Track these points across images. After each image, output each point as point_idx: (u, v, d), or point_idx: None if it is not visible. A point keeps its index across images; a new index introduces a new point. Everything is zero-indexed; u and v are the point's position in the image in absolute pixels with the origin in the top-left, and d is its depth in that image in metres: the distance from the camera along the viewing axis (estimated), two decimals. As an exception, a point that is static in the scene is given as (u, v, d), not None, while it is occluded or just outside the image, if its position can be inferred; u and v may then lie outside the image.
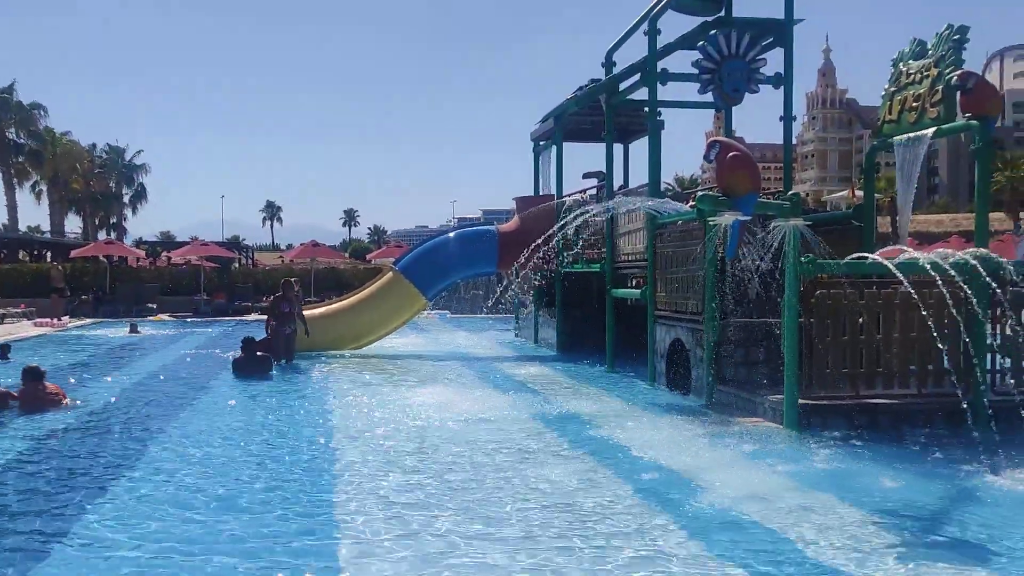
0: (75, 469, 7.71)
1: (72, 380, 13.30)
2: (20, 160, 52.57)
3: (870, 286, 9.19)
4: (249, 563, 5.18)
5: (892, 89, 10.49)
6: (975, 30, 9.66)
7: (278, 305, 15.80)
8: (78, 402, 11.04)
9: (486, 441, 8.80)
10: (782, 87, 13.52)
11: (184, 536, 5.71)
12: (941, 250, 8.73)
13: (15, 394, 10.57)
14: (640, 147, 19.11)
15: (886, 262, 8.12)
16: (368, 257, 50.66)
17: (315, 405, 11.41)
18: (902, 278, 7.92)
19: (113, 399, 11.74)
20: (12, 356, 15.76)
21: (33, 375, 10.70)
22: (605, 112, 15.45)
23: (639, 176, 21.84)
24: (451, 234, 19.53)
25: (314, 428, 9.77)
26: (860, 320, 9.12)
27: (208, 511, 6.31)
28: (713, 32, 12.77)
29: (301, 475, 7.46)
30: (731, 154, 8.24)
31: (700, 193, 8.93)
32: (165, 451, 8.45)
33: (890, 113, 10.47)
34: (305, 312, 17.10)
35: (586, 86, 16.74)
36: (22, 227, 61.72)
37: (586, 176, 20.19)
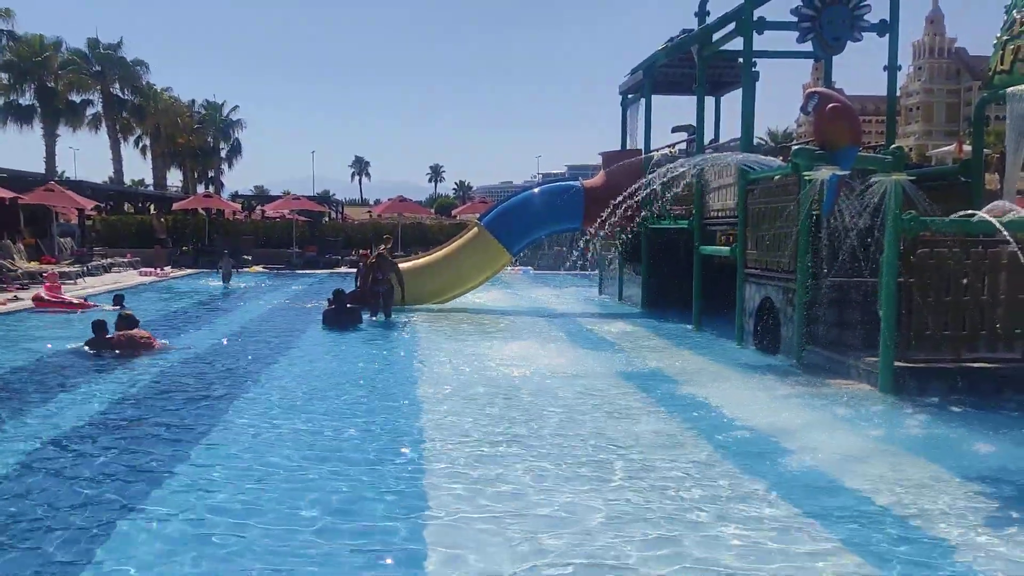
0: (167, 411, 8.11)
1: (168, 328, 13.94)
2: (124, 115, 54.63)
3: (975, 245, 8.76)
4: (336, 498, 5.40)
5: (1005, 37, 9.86)
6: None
7: (373, 272, 15.98)
8: (166, 343, 11.62)
9: (572, 396, 8.84)
10: (887, 35, 12.86)
11: (276, 473, 5.96)
12: (1056, 208, 8.23)
13: (112, 339, 11.14)
14: (732, 100, 18.56)
15: (993, 220, 7.69)
16: (453, 212, 51.06)
17: (404, 356, 11.66)
18: (1010, 237, 7.50)
19: (205, 346, 12.22)
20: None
21: (128, 322, 11.29)
22: (697, 63, 15.01)
23: (731, 130, 21.29)
24: (535, 190, 19.40)
25: (403, 378, 10.00)
26: (964, 280, 8.73)
27: (303, 453, 6.56)
28: (815, -23, 12.18)
29: (391, 424, 7.65)
30: (831, 105, 7.90)
31: (796, 147, 8.60)
32: (254, 398, 8.75)
33: (1002, 63, 9.85)
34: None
35: (678, 37, 16.30)
36: (127, 180, 64.46)
37: (675, 130, 19.77)
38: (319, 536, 4.87)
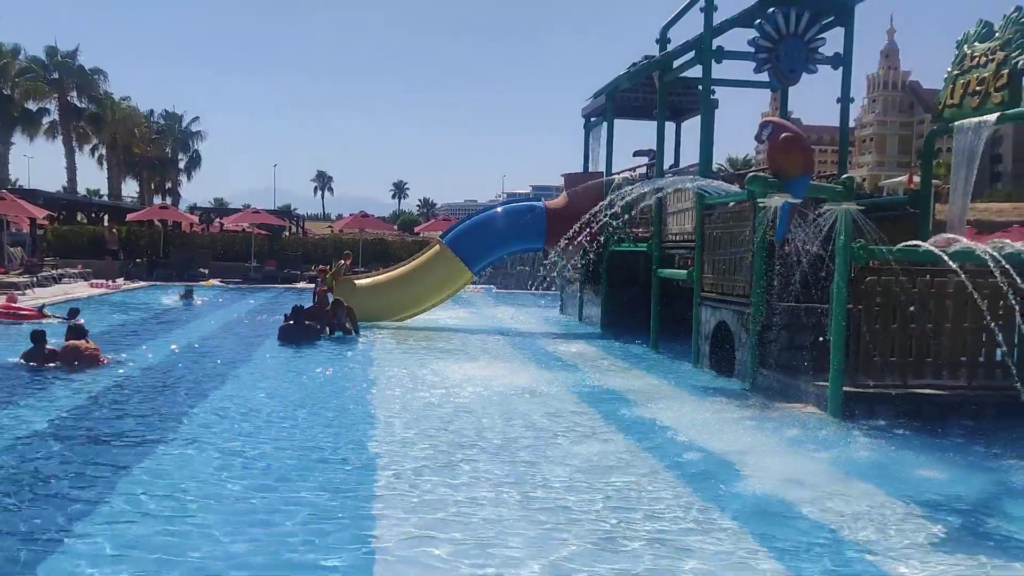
0: (104, 428, 7.95)
1: (113, 341, 13.67)
2: (80, 124, 53.82)
3: (923, 274, 9.00)
4: (280, 522, 5.33)
5: (955, 72, 10.20)
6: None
7: (333, 309, 15.83)
8: (112, 358, 11.34)
9: (524, 414, 8.87)
10: (841, 68, 13.21)
11: (213, 499, 5.88)
12: (996, 240, 8.49)
13: (57, 351, 10.91)
14: (692, 126, 18.86)
15: (939, 251, 7.93)
16: (416, 229, 51.00)
17: (357, 373, 11.58)
18: (955, 267, 7.73)
19: (153, 360, 11.97)
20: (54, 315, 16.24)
21: (76, 333, 11.06)
22: (658, 89, 15.26)
23: (690, 155, 21.64)
24: (498, 208, 19.52)
25: (354, 395, 9.93)
26: (910, 308, 8.95)
27: (244, 472, 6.47)
28: (772, 10, 12.50)
29: (338, 444, 7.59)
30: (783, 135, 8.09)
31: (751, 174, 8.79)
32: (200, 414, 8.59)
33: (952, 97, 10.19)
34: (353, 281, 17.42)
35: (640, 63, 16.55)
36: (81, 190, 63.33)
37: (636, 154, 20.03)
38: (253, 569, 4.70)
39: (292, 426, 8.15)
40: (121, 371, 10.78)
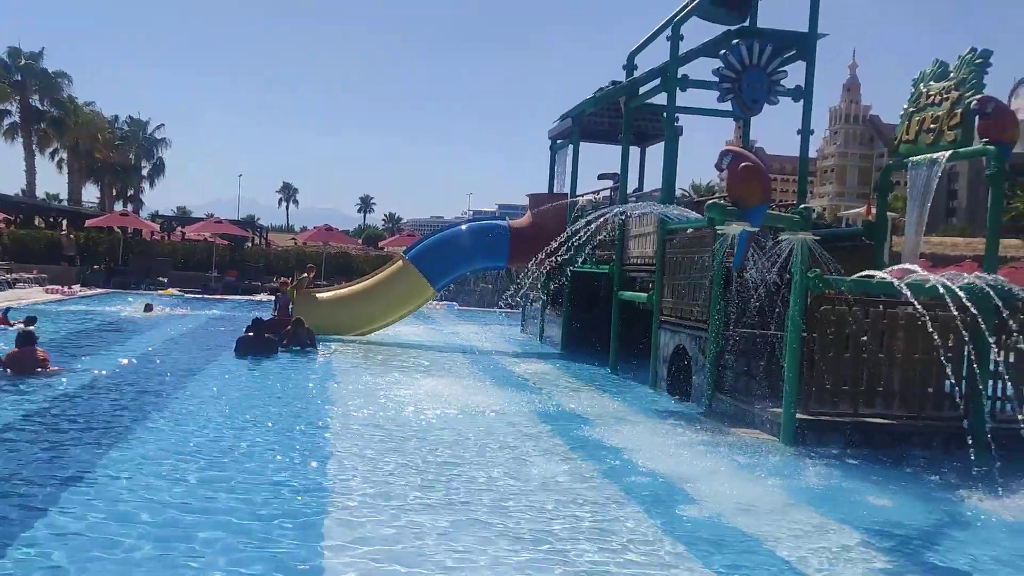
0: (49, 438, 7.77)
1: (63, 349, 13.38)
2: (42, 127, 52.85)
3: (877, 305, 9.17)
4: (229, 542, 5.24)
5: (911, 109, 10.44)
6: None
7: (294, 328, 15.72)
8: (59, 368, 11.06)
9: (477, 433, 8.86)
10: (802, 100, 13.47)
11: (163, 510, 5.77)
12: (950, 272, 8.71)
13: (2, 359, 10.67)
14: (657, 151, 19.06)
15: (894, 281, 8.09)
16: (380, 244, 50.80)
17: (313, 388, 11.46)
18: (911, 297, 7.89)
19: (101, 371, 11.66)
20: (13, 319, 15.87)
21: (25, 339, 10.81)
22: (624, 114, 15.43)
23: (654, 180, 21.77)
24: (463, 226, 19.51)
25: (307, 410, 9.82)
26: (863, 338, 9.11)
27: (193, 484, 6.37)
28: (736, 41, 12.73)
29: (287, 457, 7.50)
30: (742, 164, 8.23)
31: (710, 201, 8.91)
32: (150, 424, 8.46)
33: (907, 133, 10.42)
34: (314, 294, 17.32)
35: (607, 88, 16.73)
36: (40, 194, 62.11)
37: (601, 177, 20.17)
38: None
39: (237, 441, 8.02)
40: (66, 380, 10.54)
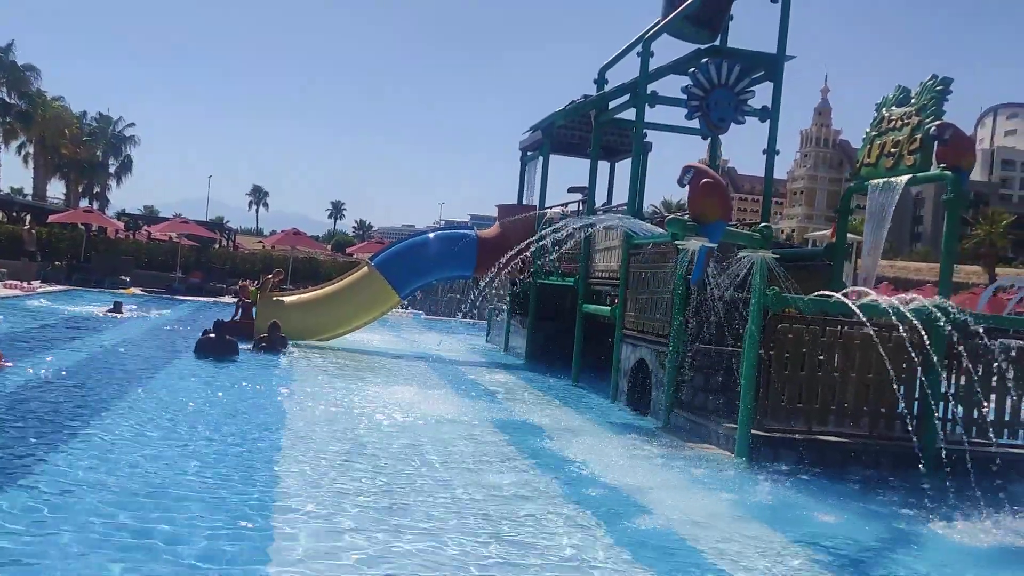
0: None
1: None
2: (8, 120, 52.04)
3: (833, 325, 9.29)
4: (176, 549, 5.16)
5: (873, 133, 10.62)
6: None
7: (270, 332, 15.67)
8: (8, 363, 10.79)
9: (434, 442, 8.81)
10: (768, 121, 13.66)
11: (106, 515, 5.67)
12: (904, 295, 8.85)
13: None
14: (627, 166, 19.21)
15: (848, 301, 8.20)
16: (348, 250, 50.52)
17: (270, 392, 11.35)
18: (863, 318, 8.00)
19: (51, 368, 11.41)
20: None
21: None
22: (593, 128, 15.53)
23: (623, 195, 21.93)
24: (430, 235, 19.49)
25: (262, 415, 9.71)
26: (819, 357, 9.22)
27: (122, 503, 6.26)
28: (704, 60, 12.89)
29: (238, 463, 7.39)
30: (703, 180, 8.32)
31: (670, 217, 8.99)
32: (101, 425, 8.28)
33: (869, 156, 10.60)
34: (278, 298, 17.17)
35: (578, 100, 16.83)
36: (4, 188, 61.04)
37: (571, 190, 20.27)
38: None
39: (187, 444, 7.88)
40: (15, 377, 10.32)
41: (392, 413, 10.22)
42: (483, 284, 15.38)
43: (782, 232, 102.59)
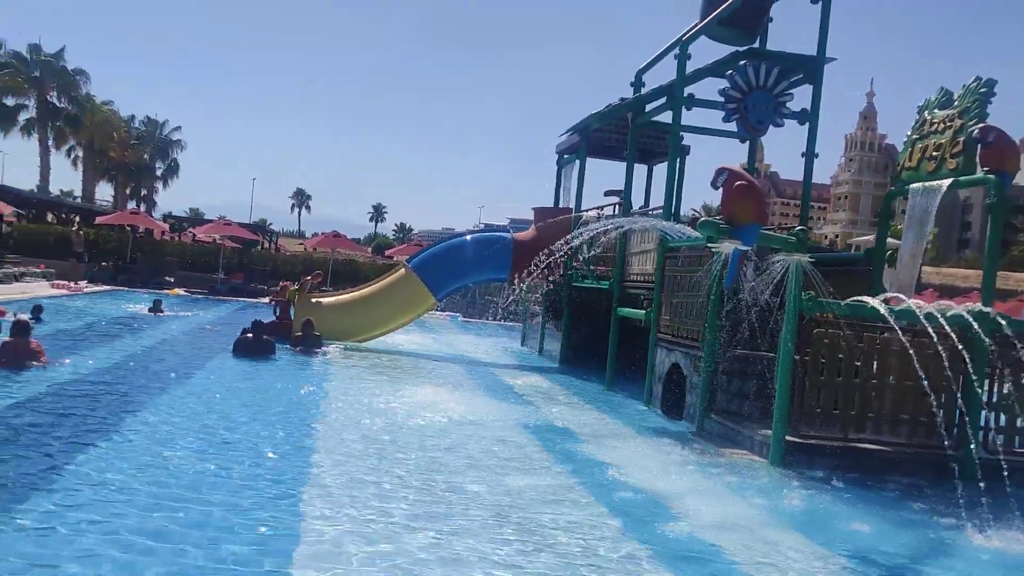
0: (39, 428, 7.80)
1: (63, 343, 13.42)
2: (58, 124, 53.26)
3: (871, 330, 9.13)
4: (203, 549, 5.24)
5: (915, 136, 10.44)
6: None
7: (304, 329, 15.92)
8: (50, 359, 11.05)
9: (467, 444, 8.84)
10: (808, 124, 13.47)
11: (143, 509, 5.78)
12: (942, 302, 8.67)
13: None
14: (665, 169, 19.08)
15: (883, 307, 8.06)
16: (387, 252, 50.88)
17: (306, 392, 11.47)
18: (895, 325, 7.86)
19: (94, 366, 11.67)
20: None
21: (19, 329, 10.86)
22: (630, 131, 15.46)
23: (661, 198, 21.79)
24: (467, 237, 19.55)
25: (296, 414, 9.82)
26: (856, 363, 9.06)
27: (178, 484, 6.37)
28: (743, 62, 12.76)
29: (271, 461, 7.49)
30: (737, 183, 8.23)
31: (702, 219, 8.91)
32: (136, 422, 8.44)
33: (910, 160, 10.41)
34: (316, 300, 17.39)
35: (614, 104, 16.77)
36: (55, 190, 62.57)
37: (608, 194, 20.18)
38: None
39: (221, 441, 8.02)
40: (57, 373, 10.58)
41: (425, 414, 10.27)
42: (513, 286, 15.34)
43: (825, 237, 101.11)
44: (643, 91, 15.66)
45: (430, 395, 11.96)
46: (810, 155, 13.61)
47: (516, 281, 14.83)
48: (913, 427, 9.06)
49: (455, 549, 5.53)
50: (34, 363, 10.65)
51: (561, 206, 20.19)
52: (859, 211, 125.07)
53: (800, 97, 13.24)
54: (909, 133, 10.68)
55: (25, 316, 13.36)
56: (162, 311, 20.49)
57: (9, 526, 5.11)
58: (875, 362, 9.02)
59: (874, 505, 7.73)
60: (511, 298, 15.57)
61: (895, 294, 8.94)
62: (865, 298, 8.67)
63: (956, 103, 9.87)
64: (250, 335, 14.56)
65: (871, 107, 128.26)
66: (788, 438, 8.80)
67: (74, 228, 36.70)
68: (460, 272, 18.60)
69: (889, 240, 12.57)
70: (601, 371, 15.35)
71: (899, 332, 8.00)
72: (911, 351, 8.19)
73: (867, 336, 9.09)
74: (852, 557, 6.17)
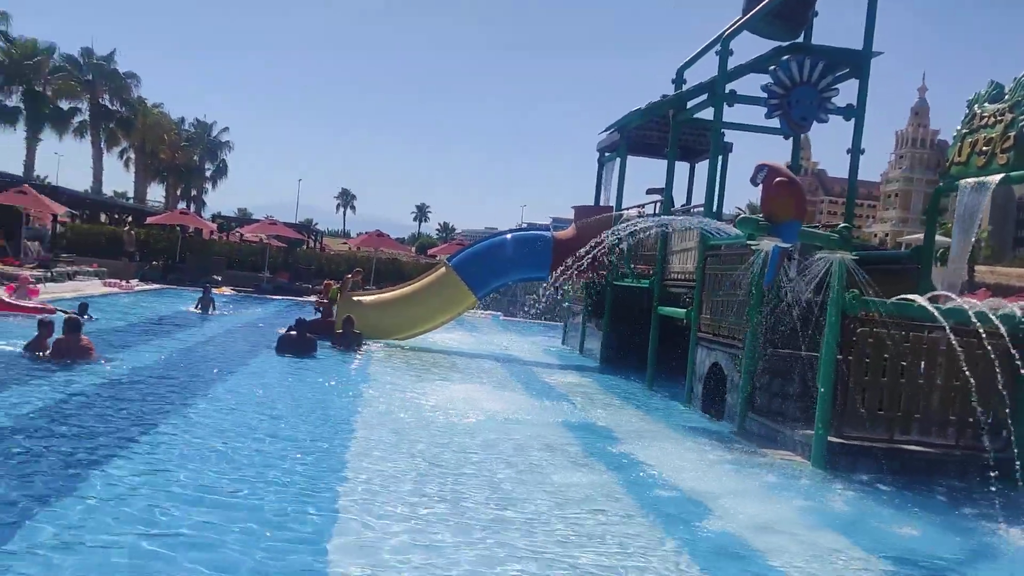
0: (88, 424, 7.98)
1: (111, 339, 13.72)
2: (111, 126, 54.52)
3: (917, 329, 8.90)
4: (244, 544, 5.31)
5: (964, 131, 10.16)
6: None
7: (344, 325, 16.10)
8: (101, 356, 11.32)
9: (504, 442, 8.84)
10: (853, 119, 13.21)
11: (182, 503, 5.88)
12: (993, 300, 8.43)
13: (47, 343, 11.00)
14: (707, 167, 18.89)
15: (930, 306, 7.86)
16: (429, 251, 51.13)
17: (346, 388, 11.58)
18: (945, 324, 7.66)
19: (143, 363, 11.91)
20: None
21: (71, 326, 11.13)
22: (671, 128, 15.32)
23: (704, 196, 21.57)
24: (507, 236, 19.52)
25: (336, 409, 9.92)
26: (902, 363, 8.85)
27: (216, 482, 6.48)
28: (786, 57, 12.56)
29: (309, 456, 7.57)
30: (777, 179, 8.08)
31: (741, 216, 8.78)
32: (179, 418, 8.57)
33: (959, 155, 10.14)
34: (356, 298, 17.52)
35: (656, 101, 16.62)
36: (108, 191, 64.07)
37: (650, 192, 20.02)
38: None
39: (265, 435, 8.13)
40: (107, 369, 10.82)
41: (462, 411, 10.29)
42: (549, 284, 15.25)
43: (875, 236, 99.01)
44: (684, 88, 15.48)
45: (468, 392, 11.98)
46: (856, 151, 13.34)
47: (555, 280, 14.76)
48: (961, 428, 8.82)
49: (488, 544, 5.53)
50: (85, 360, 10.90)
51: (602, 204, 20.09)
52: (910, 209, 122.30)
53: (847, 92, 13.02)
54: (959, 127, 10.40)
55: (75, 314, 13.66)
56: (208, 309, 20.83)
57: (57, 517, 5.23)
58: (922, 362, 8.80)
59: (921, 508, 7.55)
60: (546, 296, 15.43)
61: (943, 292, 8.72)
62: (912, 296, 8.45)
63: (1007, 97, 9.58)
64: (293, 333, 14.74)
65: (923, 102, 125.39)
66: (831, 439, 8.64)
67: (126, 228, 37.53)
68: (500, 271, 18.60)
69: (939, 238, 12.28)
70: (642, 370, 15.24)
71: (948, 331, 7.78)
72: (959, 351, 7.97)
73: (913, 335, 8.87)
74: (895, 562, 6.04)
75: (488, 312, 30.31)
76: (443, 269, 18.70)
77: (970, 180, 9.63)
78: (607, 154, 20.32)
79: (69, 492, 5.75)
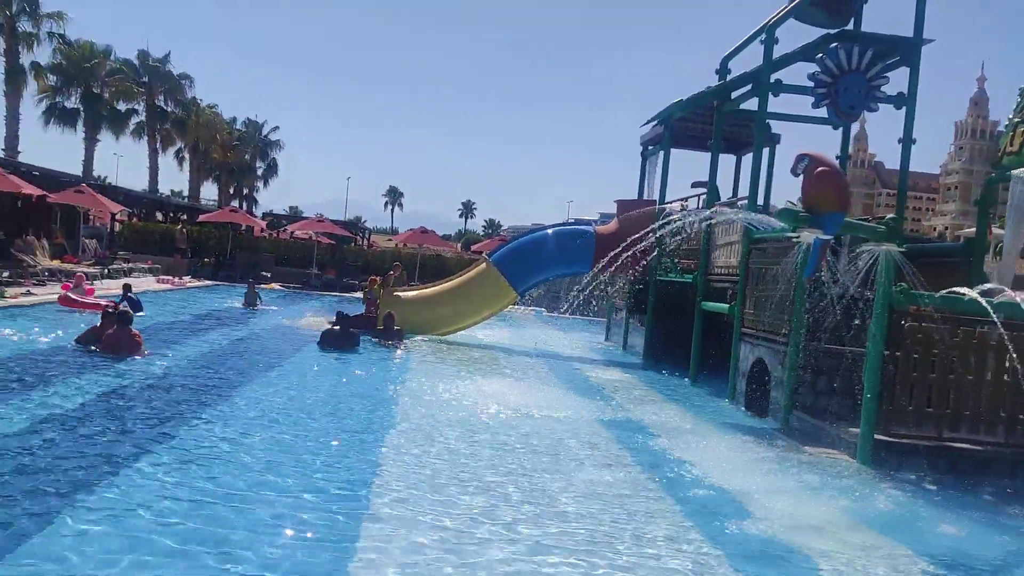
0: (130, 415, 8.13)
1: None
2: (166, 127, 55.70)
3: (967, 324, 8.61)
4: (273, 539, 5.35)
5: (1016, 120, 9.84)
6: None
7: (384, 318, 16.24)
8: (151, 351, 11.53)
9: (545, 437, 8.78)
10: (904, 108, 12.84)
11: (222, 492, 5.94)
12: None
13: (100, 336, 11.27)
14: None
15: (981, 300, 7.58)
16: (473, 247, 51.20)
17: (388, 383, 11.62)
18: (996, 319, 7.38)
19: (191, 357, 12.13)
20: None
21: (122, 319, 11.37)
22: (715, 119, 15.07)
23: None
24: (548, 231, 19.37)
25: (377, 403, 9.97)
26: (951, 358, 8.57)
27: (238, 485, 6.54)
28: (834, 45, 12.25)
29: (347, 449, 7.61)
30: (819, 169, 7.85)
31: (781, 207, 8.57)
32: (219, 411, 8.67)
33: (1012, 144, 9.81)
34: (397, 293, 17.59)
35: (700, 92, 16.36)
36: (165, 190, 65.53)
37: (695, 185, 19.73)
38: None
39: (305, 430, 8.19)
40: (157, 364, 11.03)
41: (501, 406, 10.25)
42: (587, 279, 15.09)
43: (934, 229, 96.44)
44: (729, 78, 15.21)
45: (508, 388, 11.95)
46: (907, 141, 12.97)
47: (600, 276, 14.63)
48: (1011, 426, 8.51)
49: (525, 538, 5.50)
50: (136, 354, 11.12)
51: (645, 198, 19.86)
52: (970, 201, 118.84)
53: (898, 81, 12.66)
54: (1011, 116, 10.06)
55: (124, 307, 13.96)
56: (255, 305, 21.13)
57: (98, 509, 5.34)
58: (972, 358, 8.50)
59: (970, 508, 7.32)
60: (581, 292, 15.25)
61: (994, 286, 8.42)
62: (962, 289, 8.17)
63: (1064, 83, 9.22)
64: (336, 328, 14.87)
65: (982, 92, 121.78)
66: (877, 437, 8.40)
67: (178, 226, 38.31)
68: (541, 266, 18.45)
69: (997, 231, 11.87)
70: (685, 366, 15.04)
71: (999, 325, 7.50)
72: (1010, 346, 7.68)
73: (963, 330, 8.58)
74: (941, 563, 5.84)
75: (531, 308, 30.21)
76: (484, 265, 18.66)
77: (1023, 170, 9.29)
78: (650, 147, 20.08)
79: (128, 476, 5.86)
